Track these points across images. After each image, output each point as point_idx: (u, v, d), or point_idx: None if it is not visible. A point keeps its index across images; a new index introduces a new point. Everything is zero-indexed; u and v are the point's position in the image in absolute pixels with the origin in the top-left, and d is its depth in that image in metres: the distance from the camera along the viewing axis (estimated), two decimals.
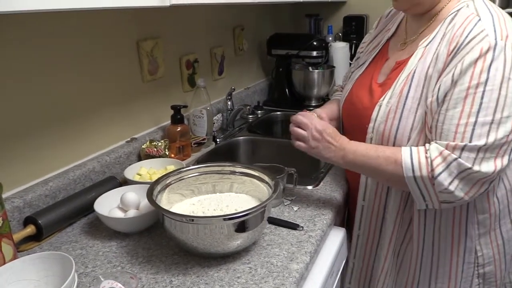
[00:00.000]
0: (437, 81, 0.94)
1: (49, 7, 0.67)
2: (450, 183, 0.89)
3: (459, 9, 0.98)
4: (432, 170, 0.90)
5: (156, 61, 1.46)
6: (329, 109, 1.27)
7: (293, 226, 1.04)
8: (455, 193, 0.90)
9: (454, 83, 0.90)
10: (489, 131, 0.88)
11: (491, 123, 0.88)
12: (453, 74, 0.90)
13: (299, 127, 1.07)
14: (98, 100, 1.25)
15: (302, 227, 1.04)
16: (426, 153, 0.91)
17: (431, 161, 0.90)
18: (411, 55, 1.03)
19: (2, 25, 0.97)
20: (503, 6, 2.08)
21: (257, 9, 2.18)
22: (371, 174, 1.06)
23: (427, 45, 1.00)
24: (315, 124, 1.05)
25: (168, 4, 0.93)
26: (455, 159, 0.88)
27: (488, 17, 0.93)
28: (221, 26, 1.88)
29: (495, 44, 0.88)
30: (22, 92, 1.03)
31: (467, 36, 0.91)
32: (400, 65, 1.05)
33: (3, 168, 1.00)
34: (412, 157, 0.93)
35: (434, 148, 0.91)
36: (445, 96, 0.91)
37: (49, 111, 1.10)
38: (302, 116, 1.08)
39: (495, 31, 0.90)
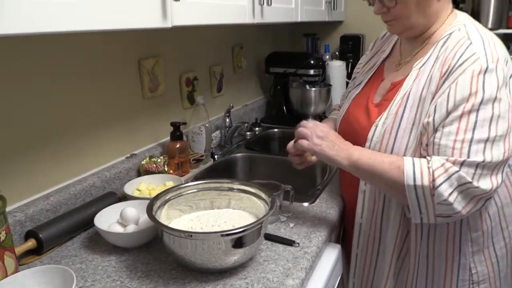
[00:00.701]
0: (431, 102, 0.98)
1: (61, 29, 0.70)
2: (450, 194, 0.91)
3: (451, 33, 1.02)
4: (434, 180, 0.91)
5: (156, 79, 1.49)
6: (328, 123, 1.30)
7: (289, 243, 1.06)
8: (453, 205, 0.91)
9: (449, 104, 0.93)
10: (484, 148, 0.91)
11: (487, 140, 0.91)
12: (448, 95, 0.93)
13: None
14: (99, 116, 1.28)
15: (298, 243, 1.06)
16: (428, 163, 0.93)
17: (433, 171, 0.91)
18: (406, 76, 1.06)
19: (7, 44, 1.00)
20: (496, 27, 2.14)
21: (256, 28, 2.23)
22: (373, 178, 1.04)
23: (421, 67, 1.04)
24: (319, 125, 1.08)
25: (170, 26, 0.97)
26: (457, 171, 0.90)
27: (479, 41, 0.97)
28: (221, 44, 1.93)
29: (487, 67, 0.92)
30: (25, 109, 1.06)
31: (459, 59, 0.95)
32: (395, 86, 1.09)
33: (6, 183, 1.02)
34: (414, 166, 0.94)
35: (436, 160, 0.93)
36: (440, 116, 0.94)
37: (51, 127, 1.13)
38: (307, 121, 1.11)
39: (486, 54, 0.93)
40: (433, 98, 0.97)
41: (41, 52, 1.08)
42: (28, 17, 0.64)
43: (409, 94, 1.03)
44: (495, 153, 0.91)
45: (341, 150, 1.04)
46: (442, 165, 0.91)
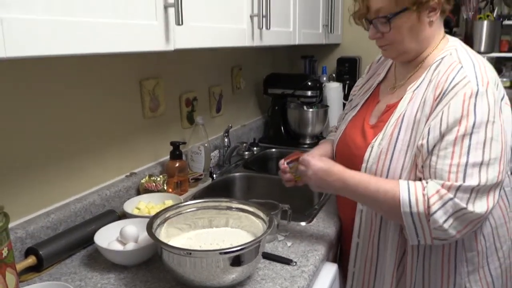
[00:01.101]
0: (425, 124, 1.01)
1: (67, 52, 0.73)
2: (445, 221, 0.94)
3: (443, 57, 1.05)
4: (429, 207, 0.94)
5: (157, 99, 1.52)
6: (323, 149, 1.33)
7: (286, 261, 1.07)
8: (448, 231, 0.94)
9: (443, 127, 0.96)
10: (479, 171, 0.93)
11: (481, 164, 0.93)
12: (441, 118, 0.96)
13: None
14: (99, 135, 1.31)
15: (296, 262, 1.07)
16: (424, 190, 0.96)
17: (428, 198, 0.94)
18: (400, 99, 1.09)
19: (11, 65, 1.03)
20: (488, 50, 2.19)
21: (255, 50, 2.27)
22: (369, 205, 1.10)
23: (414, 90, 1.07)
24: (310, 166, 1.10)
25: (173, 49, 1.00)
26: (451, 198, 0.93)
27: (470, 65, 1.00)
28: (220, 65, 1.97)
29: (477, 90, 0.95)
30: (27, 127, 1.08)
31: (451, 82, 0.98)
32: (390, 108, 1.12)
33: (8, 200, 1.03)
34: (410, 193, 0.97)
35: (432, 186, 0.95)
36: (435, 139, 0.97)
37: (53, 145, 1.15)
38: (303, 158, 1.14)
39: (476, 77, 0.97)
40: (427, 120, 1.00)
41: (45, 72, 1.11)
42: (39, 41, 0.67)
43: (403, 116, 1.06)
44: (490, 176, 0.94)
45: (334, 185, 1.08)
46: (437, 192, 0.94)
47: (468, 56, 1.04)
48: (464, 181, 0.93)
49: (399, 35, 1.06)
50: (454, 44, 1.08)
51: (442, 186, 0.94)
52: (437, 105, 0.99)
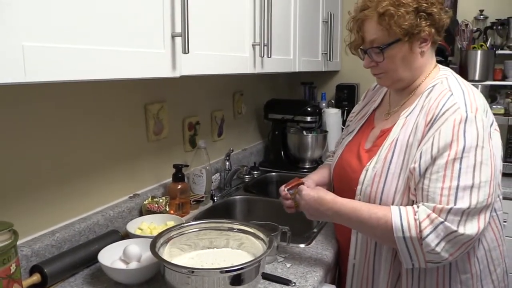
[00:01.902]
0: (417, 149, 1.05)
1: (81, 78, 0.78)
2: (437, 245, 0.97)
3: (434, 85, 1.11)
4: (421, 231, 0.97)
5: (161, 123, 1.57)
6: (320, 174, 1.37)
7: (285, 282, 1.09)
8: (441, 254, 0.97)
9: (434, 151, 1.00)
10: (470, 194, 0.97)
11: (472, 187, 0.97)
12: (432, 143, 1.01)
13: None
14: (104, 157, 1.35)
15: (294, 283, 1.09)
16: (415, 215, 0.99)
17: (420, 223, 0.98)
18: (394, 124, 1.14)
19: (22, 90, 1.08)
20: (482, 79, 2.26)
21: (256, 76, 2.33)
22: (362, 231, 1.14)
23: (407, 115, 1.12)
24: (304, 196, 1.15)
25: (179, 75, 1.05)
26: (442, 222, 0.96)
27: (459, 92, 1.05)
28: (222, 91, 2.03)
29: (466, 116, 1.00)
30: (35, 149, 1.12)
31: (441, 109, 1.03)
32: (384, 133, 1.17)
33: (15, 219, 1.05)
34: (402, 219, 1.00)
35: (422, 211, 0.99)
36: (426, 163, 1.01)
37: (58, 166, 1.19)
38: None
39: (465, 104, 1.02)
40: (419, 145, 1.05)
41: (53, 96, 1.16)
42: (55, 67, 0.72)
43: (397, 140, 1.10)
44: (480, 199, 0.97)
45: (327, 214, 1.12)
46: (428, 216, 0.97)
47: (458, 84, 1.09)
48: (455, 203, 0.96)
49: (393, 64, 1.11)
50: (445, 73, 1.14)
51: (434, 209, 0.97)
52: (428, 130, 1.04)
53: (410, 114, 1.12)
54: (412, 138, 1.07)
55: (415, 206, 1.01)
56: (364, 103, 1.38)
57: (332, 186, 1.34)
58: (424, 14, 1.07)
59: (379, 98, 1.31)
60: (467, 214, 0.96)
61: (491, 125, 1.07)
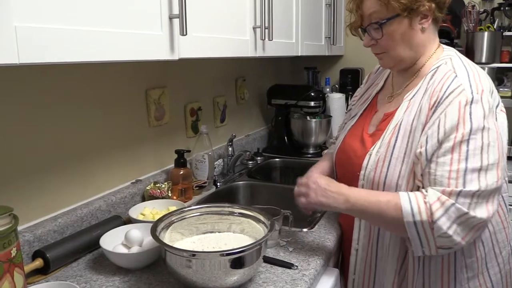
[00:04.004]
0: (421, 133, 1.03)
1: (75, 59, 0.77)
2: (449, 227, 0.95)
3: (439, 66, 1.08)
4: (432, 214, 0.95)
5: (162, 108, 1.56)
6: (320, 168, 1.35)
7: (287, 265, 1.09)
8: (453, 237, 0.95)
9: (440, 134, 0.98)
10: (479, 177, 0.95)
11: (480, 169, 0.95)
12: (438, 126, 0.98)
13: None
14: (106, 143, 1.34)
15: (297, 266, 1.09)
16: (425, 198, 0.97)
17: (430, 206, 0.95)
18: (398, 108, 1.12)
19: (25, 74, 1.07)
20: (489, 61, 2.22)
21: (259, 61, 2.32)
22: (371, 219, 1.10)
23: (411, 98, 1.10)
24: (310, 178, 1.13)
25: (177, 58, 1.04)
26: (453, 204, 0.94)
27: (464, 74, 1.03)
28: (224, 76, 2.01)
29: (472, 98, 0.97)
30: (36, 135, 1.12)
31: (445, 91, 1.01)
32: (388, 117, 1.15)
33: (17, 204, 1.06)
34: (411, 202, 0.97)
35: (432, 193, 0.96)
36: (433, 147, 0.99)
37: (60, 152, 1.19)
38: (301, 179, 1.15)
39: (471, 86, 1.00)
40: (423, 128, 1.03)
41: (54, 81, 1.15)
42: (49, 48, 0.71)
43: (400, 124, 1.08)
44: (489, 181, 0.95)
45: (336, 197, 1.08)
46: (438, 198, 0.95)
47: (463, 65, 1.06)
48: (464, 186, 0.94)
49: (392, 41, 1.09)
50: (449, 53, 1.11)
51: (443, 192, 0.95)
52: (433, 113, 1.02)
53: (413, 96, 1.09)
54: (416, 122, 1.05)
55: (423, 190, 0.99)
56: (366, 87, 1.36)
57: (335, 172, 1.32)
58: None
59: (382, 80, 1.28)
60: (477, 196, 0.95)
61: (497, 106, 1.05)
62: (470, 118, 0.96)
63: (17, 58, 0.66)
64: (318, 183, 1.11)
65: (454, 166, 0.96)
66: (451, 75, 1.03)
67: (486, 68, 2.19)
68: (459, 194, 0.94)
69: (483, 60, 2.22)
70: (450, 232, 0.95)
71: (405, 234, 1.00)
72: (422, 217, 0.96)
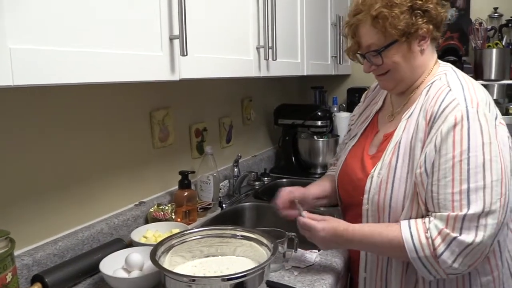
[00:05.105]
0: (421, 151, 1.00)
1: (73, 81, 0.76)
2: (453, 261, 0.92)
3: (433, 82, 1.06)
4: (435, 249, 0.93)
5: (167, 129, 1.55)
6: (321, 188, 1.33)
7: None
8: (460, 268, 0.93)
9: (438, 153, 0.96)
10: (484, 195, 0.92)
11: (484, 187, 0.92)
12: (435, 144, 0.96)
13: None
14: (109, 164, 1.33)
15: None
16: (426, 232, 0.95)
17: (432, 241, 0.94)
18: (397, 127, 1.09)
19: (26, 95, 1.07)
20: (499, 78, 2.19)
21: (265, 81, 2.31)
22: (379, 254, 1.11)
23: (408, 117, 1.08)
24: (314, 231, 1.09)
25: (178, 79, 1.03)
26: (454, 238, 0.91)
27: (458, 87, 1.01)
28: (230, 97, 2.00)
29: (467, 112, 0.95)
30: (38, 156, 1.11)
31: (440, 106, 0.98)
32: (387, 138, 1.12)
33: (16, 228, 1.05)
34: (413, 238, 0.96)
35: (433, 227, 0.94)
36: (432, 167, 0.96)
37: (62, 174, 1.18)
38: (303, 222, 1.12)
39: (465, 99, 0.97)
40: (422, 146, 1.00)
41: (56, 102, 1.15)
42: (46, 70, 0.71)
43: (399, 143, 1.06)
44: (494, 198, 0.92)
45: (339, 245, 1.12)
46: (439, 233, 0.93)
47: (457, 79, 1.04)
48: (469, 208, 0.91)
49: (394, 63, 1.07)
50: (445, 69, 1.09)
51: (447, 219, 0.93)
52: (429, 130, 0.99)
53: (411, 115, 1.07)
54: (415, 140, 1.03)
55: (426, 220, 0.97)
56: (365, 105, 1.34)
57: (338, 195, 1.29)
58: (419, 11, 1.03)
59: (381, 99, 1.26)
60: (484, 217, 0.91)
61: (496, 118, 1.01)
62: (468, 134, 0.93)
63: (11, 80, 0.66)
64: (326, 239, 1.09)
65: (456, 188, 0.93)
66: (445, 89, 1.01)
67: (496, 85, 2.16)
68: (464, 219, 0.91)
69: (492, 77, 2.19)
70: (456, 265, 0.92)
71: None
72: (425, 253, 0.95)
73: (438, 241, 0.93)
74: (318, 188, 1.32)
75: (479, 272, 1.04)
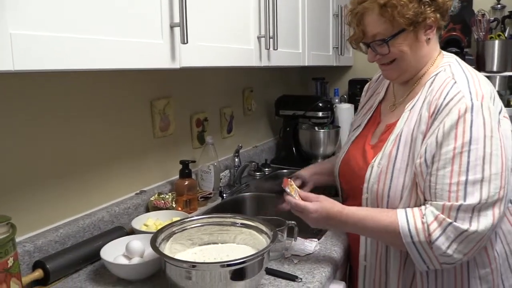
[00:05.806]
0: (422, 142, 1.00)
1: (72, 67, 0.76)
2: (448, 247, 0.93)
3: (437, 73, 1.06)
4: (430, 235, 0.93)
5: (167, 119, 1.55)
6: (321, 166, 1.35)
7: (291, 278, 1.06)
8: (453, 256, 0.93)
9: (439, 145, 0.96)
10: (481, 188, 0.92)
11: (482, 180, 0.92)
12: (437, 136, 0.96)
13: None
14: (111, 153, 1.34)
15: (301, 278, 1.06)
16: (423, 218, 0.95)
17: (428, 226, 0.94)
18: (399, 118, 1.10)
19: (29, 83, 1.08)
20: (501, 70, 2.18)
21: (266, 71, 2.31)
22: (373, 238, 1.12)
23: (411, 108, 1.07)
24: (309, 211, 1.08)
25: (178, 67, 1.03)
26: (450, 223, 0.92)
27: (463, 80, 1.00)
28: (231, 87, 2.00)
29: (472, 105, 0.94)
30: (39, 144, 1.12)
31: (444, 99, 0.98)
32: (389, 128, 1.12)
33: (18, 214, 1.06)
34: (409, 223, 0.96)
35: (430, 213, 0.95)
36: (433, 158, 0.97)
37: (63, 162, 1.19)
38: (295, 203, 1.10)
39: (470, 92, 0.97)
40: (424, 138, 1.00)
41: (57, 90, 1.15)
42: (46, 56, 0.71)
43: (401, 134, 1.06)
44: (491, 192, 0.92)
45: (335, 226, 1.12)
46: (436, 218, 0.93)
47: (462, 71, 1.04)
48: (464, 199, 0.92)
49: (400, 52, 1.06)
50: (449, 60, 1.09)
51: (443, 207, 0.93)
52: (432, 122, 0.99)
53: (414, 106, 1.07)
54: (416, 131, 1.03)
55: (422, 207, 0.97)
56: (368, 96, 1.34)
57: (339, 183, 1.30)
58: (427, 0, 1.02)
59: (383, 89, 1.26)
60: (479, 209, 0.92)
61: (500, 112, 1.01)
62: (471, 126, 0.93)
63: (12, 65, 0.66)
64: (318, 220, 1.08)
65: (454, 179, 0.93)
66: (450, 82, 1.01)
67: (498, 76, 2.15)
68: (459, 208, 0.92)
69: (495, 69, 2.18)
70: (450, 251, 0.93)
71: (407, 250, 0.99)
72: (420, 238, 0.95)
73: (434, 226, 0.93)
74: (317, 167, 1.35)
75: (477, 264, 1.04)
